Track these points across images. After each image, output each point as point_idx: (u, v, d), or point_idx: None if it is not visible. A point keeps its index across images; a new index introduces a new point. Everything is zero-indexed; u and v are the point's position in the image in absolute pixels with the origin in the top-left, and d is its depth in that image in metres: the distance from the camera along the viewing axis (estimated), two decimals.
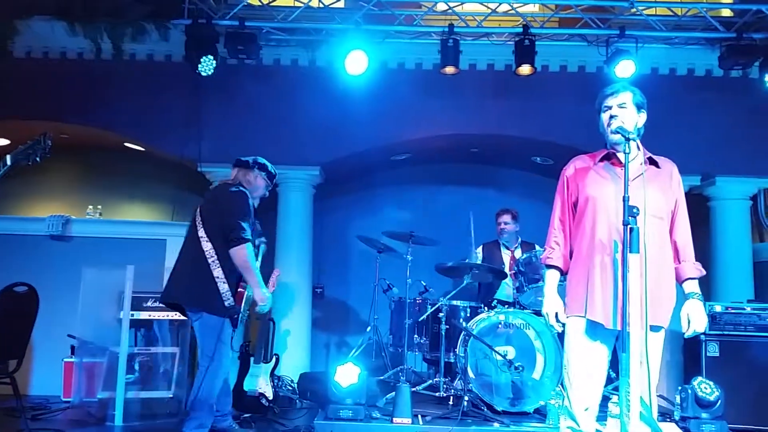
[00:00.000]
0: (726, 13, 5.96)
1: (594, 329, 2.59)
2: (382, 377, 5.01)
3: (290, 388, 5.34)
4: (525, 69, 5.44)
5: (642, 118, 2.72)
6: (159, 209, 6.95)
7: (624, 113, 2.65)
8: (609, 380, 4.91)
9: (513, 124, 5.94)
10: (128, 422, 4.49)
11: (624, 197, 2.42)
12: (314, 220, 6.23)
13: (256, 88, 5.94)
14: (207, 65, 5.32)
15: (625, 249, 2.36)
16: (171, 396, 4.79)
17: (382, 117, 5.92)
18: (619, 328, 2.48)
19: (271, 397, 4.71)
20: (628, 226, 2.35)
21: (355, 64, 5.37)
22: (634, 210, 2.36)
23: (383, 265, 5.54)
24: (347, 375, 4.06)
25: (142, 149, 6.48)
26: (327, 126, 5.91)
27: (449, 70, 5.50)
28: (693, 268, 2.68)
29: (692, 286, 2.65)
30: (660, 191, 2.59)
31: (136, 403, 4.74)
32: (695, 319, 2.59)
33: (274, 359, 4.92)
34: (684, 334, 2.59)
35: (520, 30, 5.45)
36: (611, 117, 2.65)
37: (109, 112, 5.88)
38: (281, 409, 4.83)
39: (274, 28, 5.66)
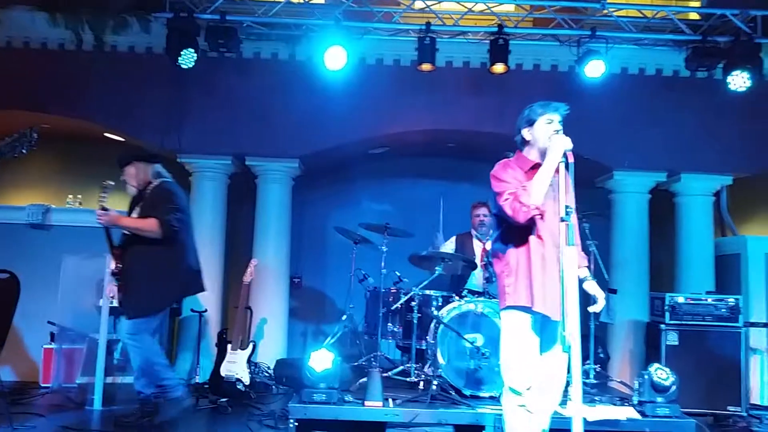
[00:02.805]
0: (693, 16, 6.16)
1: (534, 318, 2.93)
2: (356, 363, 5.15)
3: (267, 374, 5.48)
4: (499, 67, 5.60)
5: None
6: None
7: (560, 128, 3.00)
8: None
9: (488, 121, 6.08)
10: (107, 406, 4.60)
11: (562, 203, 2.74)
12: (293, 211, 6.35)
13: (236, 81, 6.04)
14: (188, 58, 5.40)
15: (563, 245, 2.70)
16: None
17: (360, 111, 6.04)
18: (558, 318, 2.81)
19: (247, 383, 4.84)
20: (565, 223, 2.70)
21: (335, 59, 5.48)
22: (568, 209, 2.72)
23: (360, 256, 5.67)
24: (321, 361, 4.19)
25: (122, 139, 6.54)
26: (306, 119, 6.02)
27: (426, 67, 5.64)
28: (584, 258, 3.25)
29: (586, 272, 3.18)
30: (569, 196, 2.80)
31: (114, 388, 4.85)
32: (600, 295, 3.09)
33: (251, 346, 5.05)
34: (589, 309, 3.04)
35: (495, 29, 5.61)
36: (555, 131, 2.96)
37: (89, 103, 5.94)
38: (258, 394, 4.97)
39: (254, 23, 5.76)
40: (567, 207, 2.72)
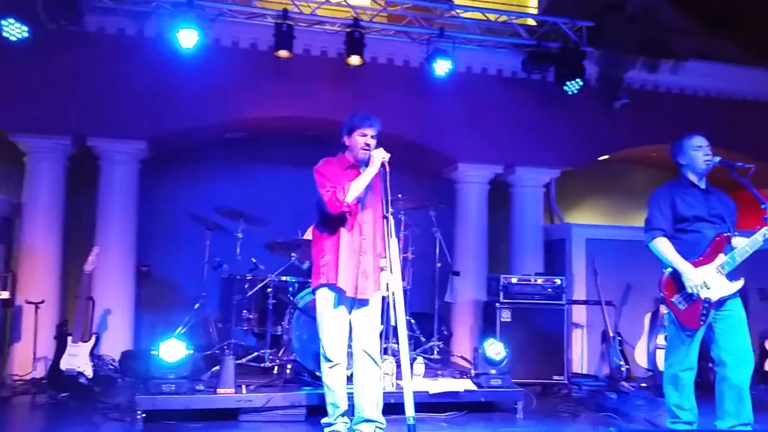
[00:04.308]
0: (531, 22, 6.74)
1: (339, 296, 3.50)
2: (208, 352, 5.10)
3: (112, 366, 5.25)
4: (354, 60, 5.75)
5: None
6: None
7: (373, 141, 3.53)
8: (418, 344, 5.48)
9: (344, 110, 6.09)
10: None
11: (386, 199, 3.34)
12: (141, 196, 6.06)
13: (77, 56, 5.62)
14: (15, 30, 4.95)
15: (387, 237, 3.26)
16: None
17: (213, 94, 5.90)
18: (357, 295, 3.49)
19: (90, 376, 4.63)
20: (387, 219, 3.28)
21: (186, 37, 5.32)
22: (391, 210, 3.29)
23: (215, 243, 5.58)
24: (171, 351, 4.12)
25: None
26: (155, 99, 5.77)
27: (283, 54, 5.65)
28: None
29: (386, 262, 3.54)
30: (387, 198, 3.37)
31: None
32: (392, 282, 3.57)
33: (93, 338, 4.83)
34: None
35: (352, 21, 5.75)
36: (367, 144, 3.50)
37: None
38: (102, 388, 4.76)
39: None
40: (389, 207, 3.28)
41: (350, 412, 3.63)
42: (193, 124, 5.97)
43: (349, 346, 3.62)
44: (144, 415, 3.94)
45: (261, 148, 7.00)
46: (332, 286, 3.49)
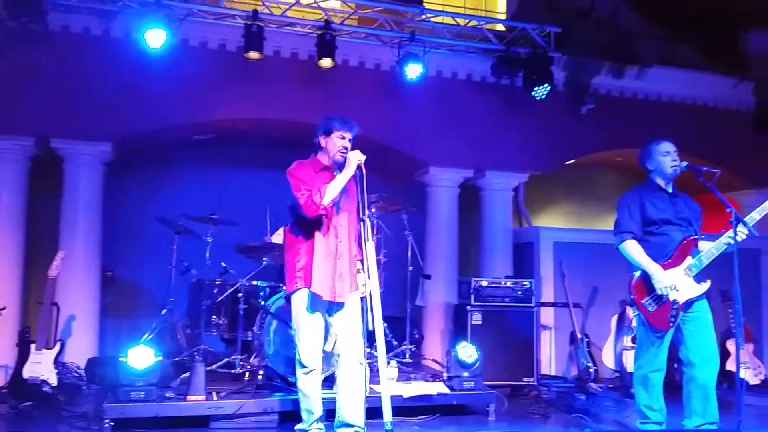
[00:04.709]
0: (500, 27, 6.81)
1: (315, 299, 3.46)
2: (177, 359, 5.00)
3: (76, 374, 5.11)
4: (326, 62, 5.73)
5: None
6: None
7: (350, 144, 3.51)
8: (391, 348, 5.49)
9: (314, 113, 6.13)
10: None
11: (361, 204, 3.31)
12: (107, 199, 5.92)
13: (39, 55, 5.47)
14: None
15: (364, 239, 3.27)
16: None
17: (181, 95, 5.80)
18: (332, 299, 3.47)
19: (55, 384, 4.50)
20: (363, 223, 3.29)
21: (154, 37, 5.22)
22: (366, 213, 3.29)
23: (183, 247, 5.49)
24: (139, 357, 4.02)
25: None
26: (120, 100, 5.63)
27: (252, 55, 5.60)
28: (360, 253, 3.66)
29: (360, 264, 3.63)
30: (363, 201, 3.37)
31: None
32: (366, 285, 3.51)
33: (58, 345, 4.70)
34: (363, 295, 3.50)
35: (323, 23, 5.73)
36: (345, 147, 3.48)
37: None
38: (67, 396, 4.64)
39: None
40: (366, 210, 3.30)
41: (325, 417, 3.61)
42: (160, 125, 5.86)
43: (323, 350, 3.60)
44: (112, 423, 3.84)
45: (229, 150, 6.91)
46: (308, 291, 3.45)
